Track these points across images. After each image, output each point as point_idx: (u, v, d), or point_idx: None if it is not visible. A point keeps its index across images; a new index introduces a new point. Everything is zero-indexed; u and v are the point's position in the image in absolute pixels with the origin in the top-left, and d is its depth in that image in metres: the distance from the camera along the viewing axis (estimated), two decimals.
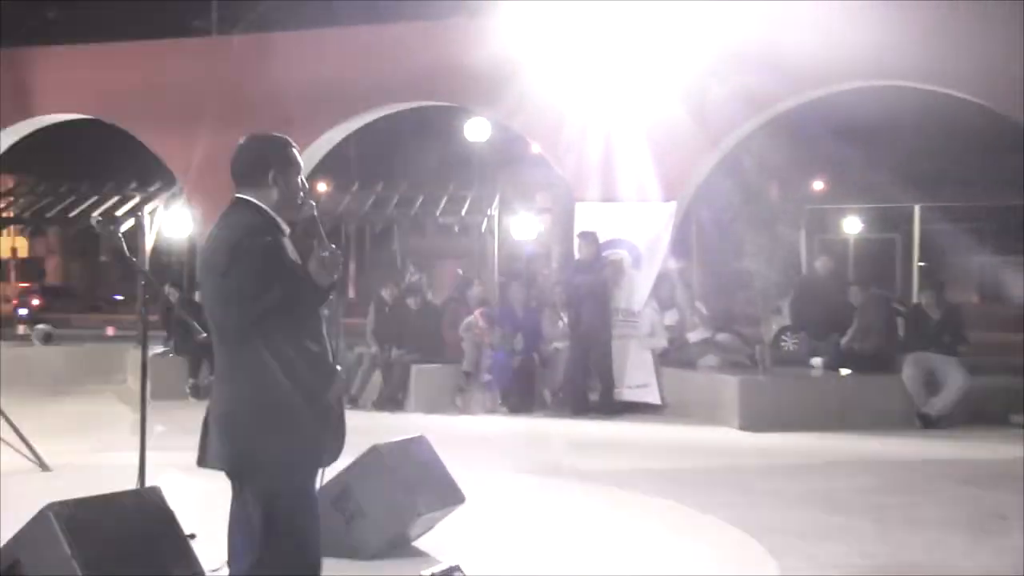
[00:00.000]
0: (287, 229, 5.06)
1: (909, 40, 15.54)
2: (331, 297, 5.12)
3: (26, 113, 18.92)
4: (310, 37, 19.20)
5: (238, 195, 5.04)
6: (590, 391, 15.98)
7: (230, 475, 5.02)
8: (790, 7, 16.38)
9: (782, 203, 19.10)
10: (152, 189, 17.98)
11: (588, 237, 16.02)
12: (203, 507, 8.04)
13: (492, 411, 15.77)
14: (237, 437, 4.90)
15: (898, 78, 16.17)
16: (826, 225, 29.08)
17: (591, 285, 15.57)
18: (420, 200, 20.29)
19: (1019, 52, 14.92)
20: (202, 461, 5.07)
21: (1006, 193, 27.13)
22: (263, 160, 5.05)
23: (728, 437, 13.89)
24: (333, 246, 4.90)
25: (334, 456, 5.15)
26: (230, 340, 4.92)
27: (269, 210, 4.99)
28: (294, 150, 5.18)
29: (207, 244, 5.03)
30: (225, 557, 7.27)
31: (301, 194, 5.14)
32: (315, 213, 5.11)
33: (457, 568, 5.71)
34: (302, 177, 5.17)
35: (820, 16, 16.07)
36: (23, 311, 30.42)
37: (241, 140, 5.25)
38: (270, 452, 4.86)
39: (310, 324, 5.02)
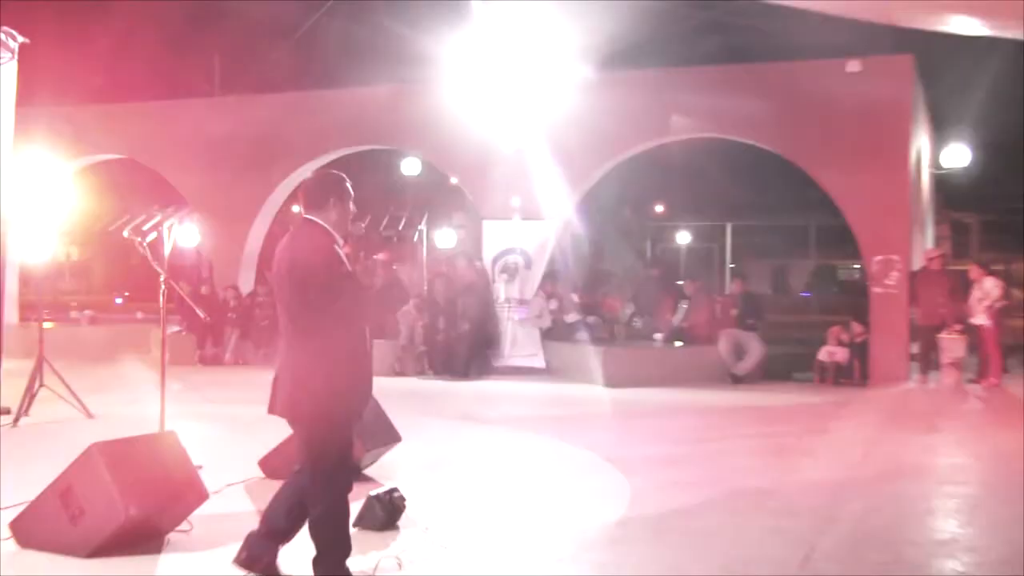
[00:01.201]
0: (341, 242, 5.07)
1: (722, 105, 15.66)
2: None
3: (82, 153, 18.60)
4: (290, 98, 18.97)
5: (307, 216, 5.10)
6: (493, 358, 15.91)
7: (289, 421, 5.19)
8: (637, 76, 16.55)
9: (633, 221, 19.16)
10: (169, 210, 17.77)
11: (464, 257, 16.16)
12: (207, 446, 8.03)
13: (421, 374, 15.56)
14: (301, 396, 4.95)
15: (714, 132, 16.33)
16: (664, 237, 29.13)
17: (471, 290, 15.60)
18: (368, 218, 20.15)
19: (794, 114, 15.10)
20: (272, 410, 5.16)
21: (790, 216, 27.43)
22: (325, 190, 5.13)
23: (594, 391, 13.84)
24: (376, 256, 5.08)
25: (359, 413, 5.16)
26: (301, 327, 5.00)
27: (328, 227, 5.03)
28: (348, 184, 5.21)
29: (287, 255, 5.02)
30: (225, 482, 7.27)
31: (351, 217, 5.22)
32: (362, 232, 5.15)
33: (396, 489, 5.54)
34: (352, 204, 5.19)
35: (658, 84, 16.24)
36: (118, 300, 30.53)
37: (310, 175, 5.37)
38: (317, 416, 4.93)
39: (360, 319, 5.13)
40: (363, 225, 5.10)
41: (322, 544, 4.94)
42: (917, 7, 13.33)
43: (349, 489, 5.08)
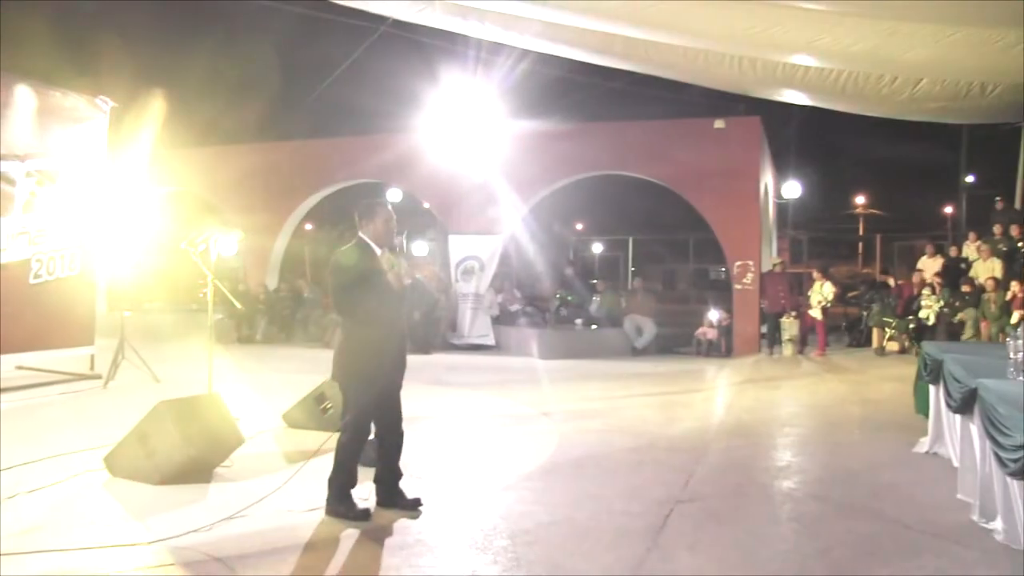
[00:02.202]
0: (379, 251, 5.04)
1: (627, 150, 15.78)
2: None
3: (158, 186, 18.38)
4: (305, 144, 18.80)
5: (359, 233, 5.14)
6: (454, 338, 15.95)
7: (339, 385, 5.20)
8: (565, 129, 16.63)
9: (560, 235, 19.17)
10: (214, 227, 17.56)
11: (420, 260, 16.27)
12: (243, 402, 7.99)
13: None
14: (338, 366, 5.07)
15: (621, 170, 16.38)
16: (583, 248, 29.19)
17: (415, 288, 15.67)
18: (355, 236, 20.01)
19: (679, 157, 15.25)
20: (333, 376, 5.15)
21: (676, 231, 27.55)
22: (362, 213, 5.15)
23: (532, 362, 13.85)
24: (403, 262, 5.19)
25: (379, 384, 5.05)
26: (339, 315, 5.28)
27: (370, 240, 5.07)
28: (383, 207, 5.18)
29: (331, 260, 5.08)
30: (257, 429, 7.25)
31: (389, 231, 5.14)
32: (400, 244, 5.18)
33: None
34: (392, 222, 5.15)
35: (581, 133, 16.31)
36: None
37: (362, 201, 5.27)
38: (349, 377, 5.04)
39: (384, 310, 5.03)
40: (402, 239, 5.20)
41: (336, 466, 5.02)
42: (762, 84, 13.58)
43: (367, 434, 5.16)
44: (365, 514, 4.95)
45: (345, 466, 5.02)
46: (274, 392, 9.11)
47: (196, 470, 5.77)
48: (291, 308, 17.56)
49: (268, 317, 17.32)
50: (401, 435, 5.23)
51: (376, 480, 5.19)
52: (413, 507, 5.11)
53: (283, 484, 5.46)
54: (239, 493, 5.45)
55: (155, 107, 11.56)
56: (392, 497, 5.14)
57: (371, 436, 5.25)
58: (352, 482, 5.04)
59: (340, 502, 4.99)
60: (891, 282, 15.34)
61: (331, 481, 5.02)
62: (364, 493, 5.16)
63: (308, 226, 22.66)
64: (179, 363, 10.92)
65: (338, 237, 18.36)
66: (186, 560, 4.27)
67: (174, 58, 21.42)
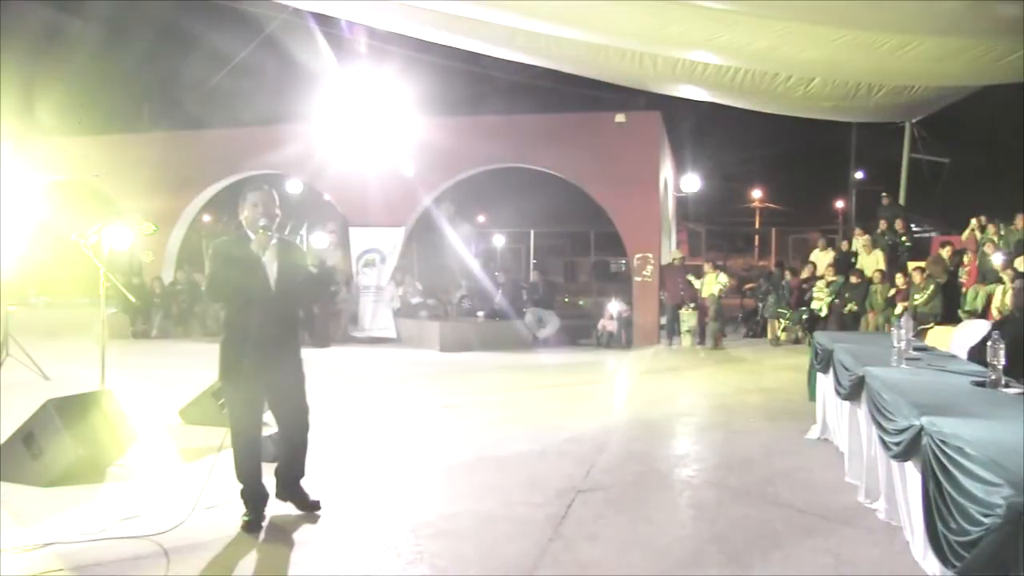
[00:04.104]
0: (252, 236, 4.69)
1: (528, 144, 15.88)
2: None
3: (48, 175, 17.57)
4: (202, 134, 18.29)
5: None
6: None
7: None
8: (466, 121, 16.63)
9: (461, 228, 19.16)
10: (108, 219, 17.02)
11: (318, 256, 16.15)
12: (138, 399, 7.67)
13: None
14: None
15: (522, 163, 16.47)
16: (485, 240, 29.25)
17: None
18: (235, 225, 19.63)
19: (580, 151, 15.43)
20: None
21: (576, 224, 27.87)
22: (241, 198, 4.84)
23: (433, 354, 13.88)
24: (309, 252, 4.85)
25: (256, 379, 4.65)
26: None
27: (246, 227, 4.76)
28: (253, 191, 4.84)
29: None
30: (152, 427, 7.06)
31: (257, 216, 4.73)
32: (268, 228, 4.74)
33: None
34: (259, 206, 4.75)
35: (481, 127, 16.33)
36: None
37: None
38: (220, 371, 4.77)
39: (250, 301, 4.67)
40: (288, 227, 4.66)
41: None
42: (662, 79, 13.87)
43: (250, 432, 4.78)
44: (248, 526, 4.66)
45: (238, 470, 4.76)
46: (170, 388, 8.87)
47: (87, 470, 5.59)
48: (188, 302, 17.14)
49: (164, 311, 16.89)
50: (303, 431, 4.96)
51: (275, 473, 4.99)
52: (311, 508, 4.92)
53: (204, 482, 5.33)
54: (133, 492, 5.30)
55: (39, 93, 11.10)
56: (290, 493, 4.96)
57: (269, 433, 5.16)
58: (249, 488, 4.76)
59: (248, 511, 4.75)
60: (787, 275, 15.89)
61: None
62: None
63: (206, 217, 22.02)
64: (70, 360, 10.49)
65: (233, 228, 17.97)
66: (77, 564, 4.12)
67: (63, 42, 20.49)
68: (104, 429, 5.89)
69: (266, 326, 4.65)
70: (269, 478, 4.93)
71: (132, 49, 21.00)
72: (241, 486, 4.76)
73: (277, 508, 4.93)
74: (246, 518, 4.69)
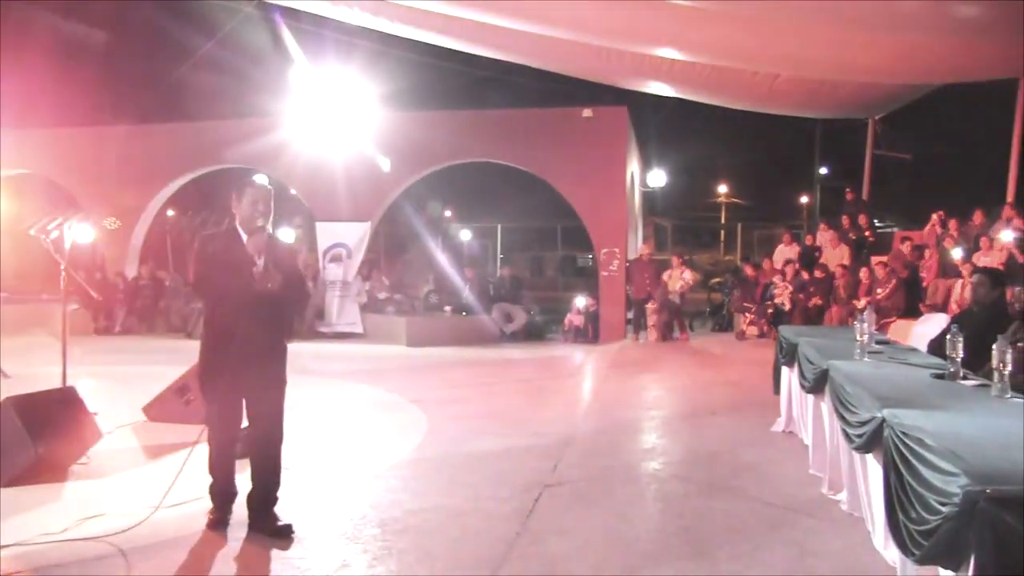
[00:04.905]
0: (245, 236, 4.48)
1: (495, 139, 15.88)
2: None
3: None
4: (168, 127, 18.06)
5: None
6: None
7: None
8: (433, 116, 16.60)
9: (427, 223, 19.14)
10: (69, 212, 16.79)
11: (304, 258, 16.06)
12: (101, 396, 7.68)
13: None
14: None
15: (489, 158, 16.46)
16: (452, 236, 29.23)
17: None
18: (227, 220, 19.41)
19: (546, 146, 15.47)
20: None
21: (543, 219, 27.94)
22: (238, 191, 4.58)
23: (400, 350, 13.84)
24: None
25: (235, 388, 4.47)
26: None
27: (239, 225, 4.54)
28: (251, 186, 4.61)
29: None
30: (116, 424, 6.97)
31: (256, 215, 4.52)
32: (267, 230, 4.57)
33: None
34: (260, 204, 4.53)
35: (448, 121, 16.30)
36: None
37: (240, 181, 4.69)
38: (199, 368, 4.61)
39: (235, 305, 4.42)
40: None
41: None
42: (630, 75, 13.96)
43: (226, 432, 4.61)
44: (213, 523, 4.57)
45: (211, 464, 4.63)
46: (134, 385, 8.74)
47: (48, 469, 5.50)
48: (152, 298, 16.95)
49: (127, 307, 16.68)
50: (273, 458, 4.63)
51: (248, 500, 4.62)
52: (283, 534, 4.48)
53: (173, 480, 5.28)
54: (98, 491, 5.25)
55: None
56: (263, 520, 4.55)
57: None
58: (220, 484, 4.64)
59: (215, 507, 4.65)
60: (749, 271, 16.04)
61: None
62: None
63: (170, 212, 21.75)
64: (30, 357, 10.33)
65: (200, 224, 17.78)
66: (38, 565, 4.06)
67: (22, 32, 20.15)
68: (66, 427, 5.81)
69: (253, 329, 4.44)
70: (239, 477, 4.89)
71: (94, 40, 20.72)
72: (211, 480, 4.65)
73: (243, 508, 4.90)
74: (212, 515, 4.64)
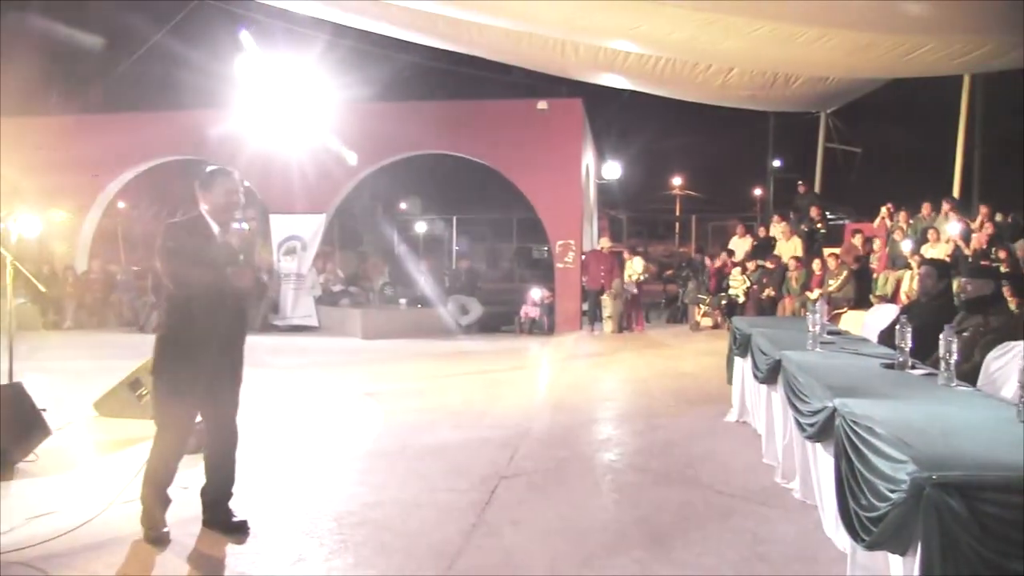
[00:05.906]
0: (216, 228, 4.35)
1: (450, 130, 15.84)
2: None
3: None
4: (120, 117, 17.72)
5: (200, 205, 4.41)
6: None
7: None
8: (388, 107, 16.50)
9: (383, 215, 19.05)
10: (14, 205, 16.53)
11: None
12: (50, 392, 7.39)
13: None
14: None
15: (444, 149, 16.46)
16: (408, 228, 29.07)
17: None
18: (179, 212, 19.13)
19: (502, 137, 15.47)
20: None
21: (499, 211, 27.90)
22: (208, 181, 4.36)
23: (355, 342, 13.79)
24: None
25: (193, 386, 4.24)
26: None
27: (207, 216, 4.36)
28: (225, 175, 4.41)
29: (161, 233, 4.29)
30: (66, 420, 6.84)
31: (233, 206, 4.37)
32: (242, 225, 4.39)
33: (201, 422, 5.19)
34: (235, 195, 4.38)
35: (404, 113, 16.22)
36: None
37: (204, 169, 4.49)
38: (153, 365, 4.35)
39: (203, 300, 4.22)
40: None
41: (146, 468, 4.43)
42: (584, 67, 14.00)
43: (175, 433, 4.36)
44: (158, 539, 4.28)
45: (153, 473, 4.36)
46: (85, 380, 8.58)
47: None
48: (103, 291, 16.64)
49: (77, 301, 16.39)
50: (232, 444, 4.53)
51: (201, 494, 4.52)
52: (238, 531, 4.40)
53: (131, 478, 5.19)
54: (46, 489, 5.15)
55: None
56: (217, 516, 4.46)
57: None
58: (161, 498, 4.37)
59: (150, 519, 4.35)
60: (707, 261, 16.22)
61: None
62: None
63: (121, 204, 21.37)
64: None
65: (154, 217, 17.52)
66: None
67: None
68: (12, 424, 5.69)
69: (217, 322, 4.27)
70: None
71: (39, 29, 20.26)
72: (146, 487, 4.33)
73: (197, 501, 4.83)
74: (151, 531, 4.31)
